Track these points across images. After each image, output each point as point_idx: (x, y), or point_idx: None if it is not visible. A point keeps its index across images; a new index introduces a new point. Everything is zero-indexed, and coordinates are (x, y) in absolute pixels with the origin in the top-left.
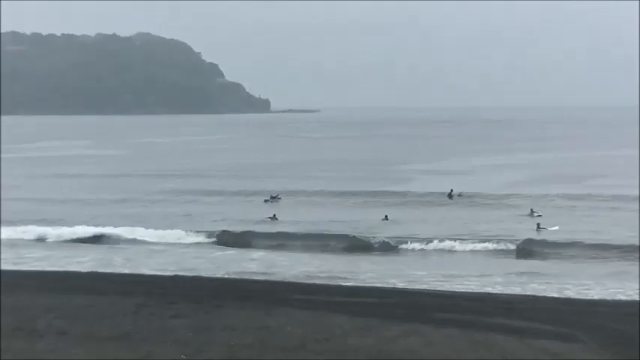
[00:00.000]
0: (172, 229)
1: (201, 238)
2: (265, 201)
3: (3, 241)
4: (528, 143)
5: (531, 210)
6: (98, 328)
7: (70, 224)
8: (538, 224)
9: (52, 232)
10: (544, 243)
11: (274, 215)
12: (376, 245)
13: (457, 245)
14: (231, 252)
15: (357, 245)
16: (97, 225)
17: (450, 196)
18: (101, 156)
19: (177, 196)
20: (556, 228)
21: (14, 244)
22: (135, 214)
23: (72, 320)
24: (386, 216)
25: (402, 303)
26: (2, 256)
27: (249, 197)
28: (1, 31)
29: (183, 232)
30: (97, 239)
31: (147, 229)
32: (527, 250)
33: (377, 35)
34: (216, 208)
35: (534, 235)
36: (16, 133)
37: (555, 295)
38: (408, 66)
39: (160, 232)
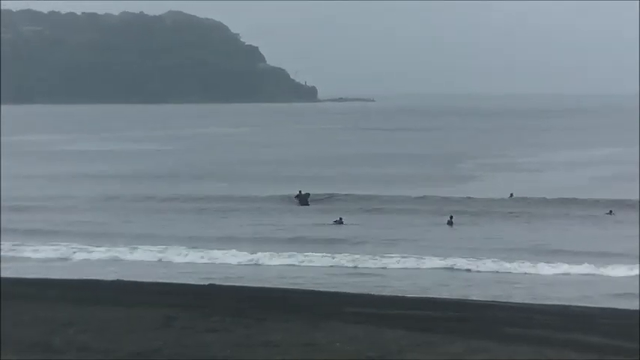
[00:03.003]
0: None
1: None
2: (297, 196)
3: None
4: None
5: (610, 211)
6: (124, 344)
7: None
8: None
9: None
10: None
11: (340, 219)
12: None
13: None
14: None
15: None
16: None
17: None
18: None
19: (188, 204)
20: None
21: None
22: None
23: (95, 335)
24: (451, 217)
25: (468, 317)
26: None
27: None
28: (15, 10)
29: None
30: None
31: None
32: None
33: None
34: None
35: None
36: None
37: None
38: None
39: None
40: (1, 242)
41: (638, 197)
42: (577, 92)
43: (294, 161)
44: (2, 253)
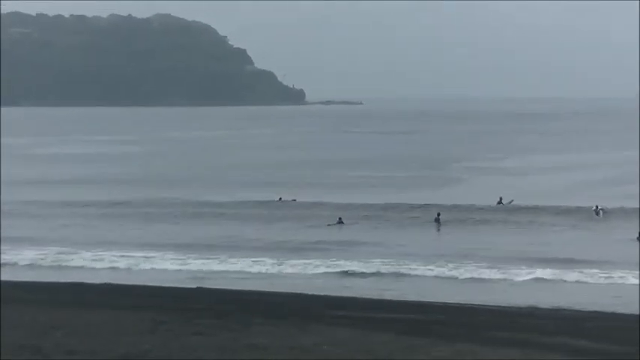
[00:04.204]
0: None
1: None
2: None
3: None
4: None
5: (596, 207)
6: (111, 347)
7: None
8: None
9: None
10: None
11: (340, 219)
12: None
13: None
14: None
15: None
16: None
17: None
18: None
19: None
20: None
21: None
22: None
23: (82, 338)
24: (438, 214)
25: (454, 320)
26: None
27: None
28: (4, 12)
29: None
30: None
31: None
32: None
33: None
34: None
35: None
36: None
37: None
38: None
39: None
40: None
41: (626, 203)
42: (576, 95)
43: (275, 165)
44: None
